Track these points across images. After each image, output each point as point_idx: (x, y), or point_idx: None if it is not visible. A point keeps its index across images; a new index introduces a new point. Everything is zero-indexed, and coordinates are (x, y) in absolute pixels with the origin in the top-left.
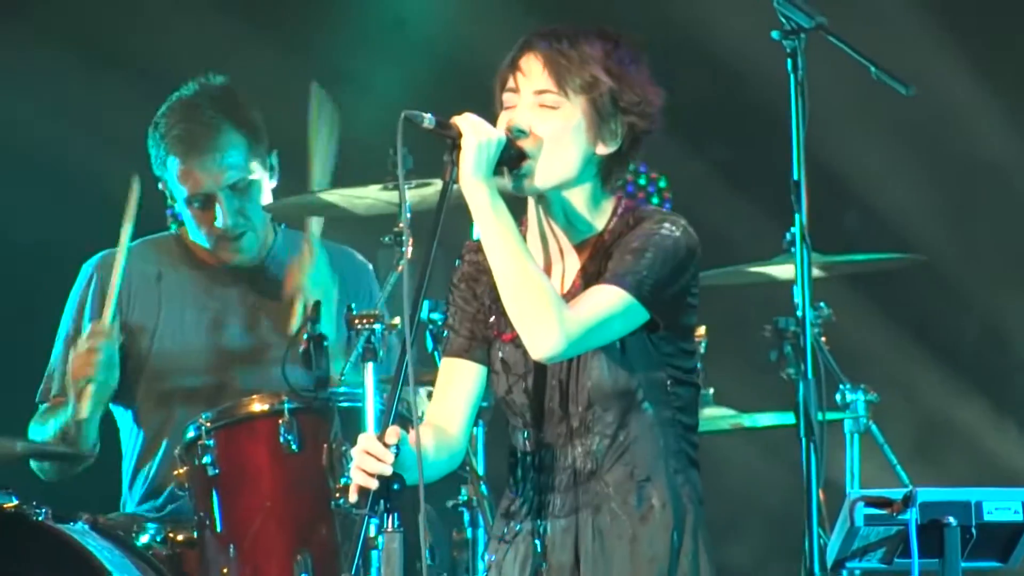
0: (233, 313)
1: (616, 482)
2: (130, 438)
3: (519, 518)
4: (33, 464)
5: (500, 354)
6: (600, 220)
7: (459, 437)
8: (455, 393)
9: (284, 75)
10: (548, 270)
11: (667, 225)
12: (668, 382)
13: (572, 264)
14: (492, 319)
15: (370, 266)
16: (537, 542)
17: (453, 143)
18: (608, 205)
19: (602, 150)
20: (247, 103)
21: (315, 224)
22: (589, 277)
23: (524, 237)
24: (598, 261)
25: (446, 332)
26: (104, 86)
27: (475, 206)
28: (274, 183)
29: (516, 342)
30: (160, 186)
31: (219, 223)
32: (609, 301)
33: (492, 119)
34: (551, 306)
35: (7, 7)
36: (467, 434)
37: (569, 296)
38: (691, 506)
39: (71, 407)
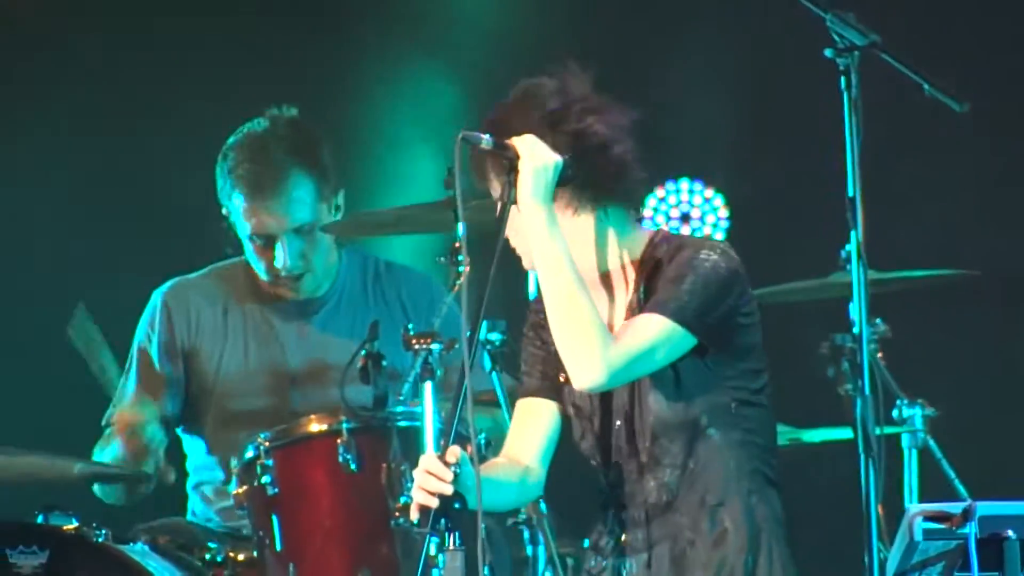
0: (295, 341)
1: (690, 511)
2: (196, 461)
3: (605, 554)
4: (96, 489)
5: (572, 399)
6: (635, 249)
7: (534, 468)
8: (530, 429)
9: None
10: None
11: (705, 251)
12: (733, 404)
13: (606, 295)
14: (562, 365)
15: (434, 279)
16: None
17: (511, 165)
18: (642, 235)
19: (586, 202)
20: (318, 140)
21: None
22: (629, 306)
23: None
24: (639, 289)
25: (520, 378)
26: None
27: (533, 229)
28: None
29: None
30: (224, 212)
31: (278, 263)
32: (651, 329)
33: None
34: (595, 335)
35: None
36: (544, 466)
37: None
38: (766, 525)
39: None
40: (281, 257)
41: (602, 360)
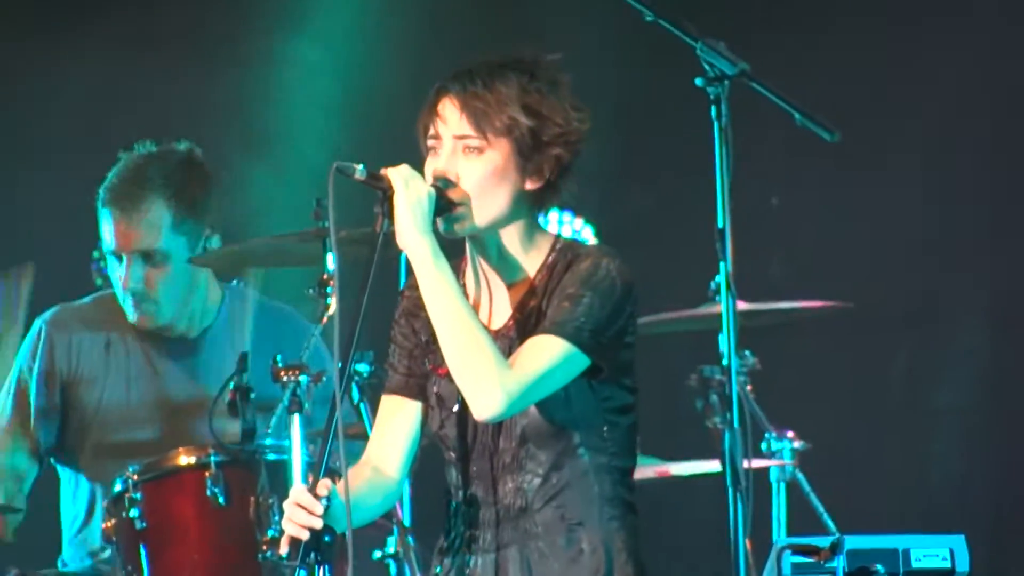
0: (176, 377)
1: (546, 523)
2: (71, 492)
3: (451, 553)
4: None
5: (435, 388)
6: (536, 256)
7: (396, 476)
8: (393, 430)
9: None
10: (480, 307)
11: (604, 265)
12: (605, 428)
13: (505, 302)
14: (429, 355)
15: (312, 325)
16: (466, 574)
17: (384, 195)
18: (543, 241)
19: (531, 185)
20: (197, 176)
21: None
22: (528, 314)
23: (462, 273)
24: (536, 299)
25: (386, 369)
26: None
27: (417, 263)
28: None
29: (450, 376)
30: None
31: (120, 283)
32: (549, 353)
33: (419, 165)
34: (492, 367)
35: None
36: (405, 472)
37: (502, 334)
38: (623, 553)
39: None
40: (124, 276)
41: (500, 388)
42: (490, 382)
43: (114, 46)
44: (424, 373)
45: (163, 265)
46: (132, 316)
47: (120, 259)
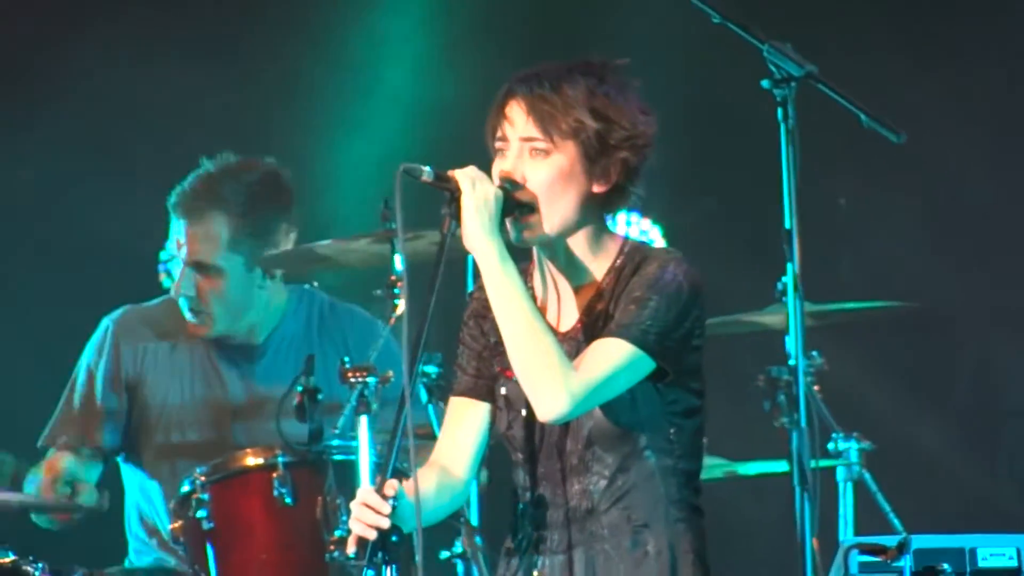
0: (238, 382)
1: (612, 524)
2: (134, 492)
3: (518, 554)
4: (32, 514)
5: (503, 390)
6: (604, 259)
7: (463, 477)
8: (461, 432)
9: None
10: (547, 310)
11: (671, 269)
12: (672, 431)
13: (573, 305)
14: (497, 356)
15: (380, 322)
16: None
17: (452, 196)
18: (611, 244)
19: (598, 189)
20: (275, 200)
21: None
22: (595, 317)
23: (529, 276)
24: (604, 301)
25: (455, 370)
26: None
27: (484, 265)
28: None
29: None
30: None
31: (172, 291)
32: (614, 356)
33: (487, 166)
34: (557, 369)
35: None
36: (473, 472)
37: (569, 336)
38: (689, 555)
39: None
40: (176, 282)
41: (565, 391)
42: (554, 384)
43: (190, 49)
44: (492, 375)
45: (216, 279)
46: (195, 329)
47: (174, 266)
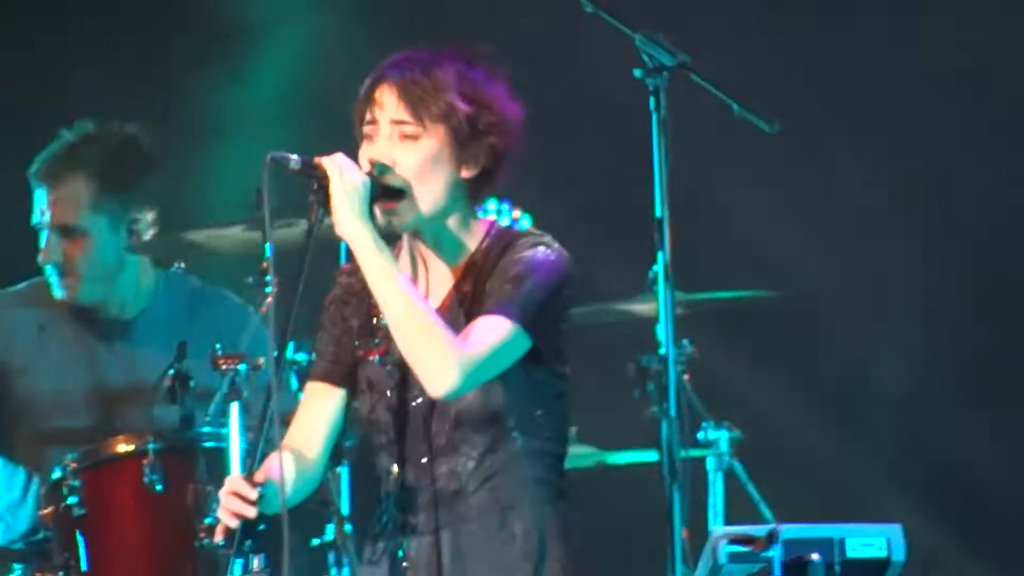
0: (111, 361)
1: (480, 505)
2: (6, 479)
3: (384, 537)
4: None
5: (365, 373)
6: (471, 242)
7: (316, 461)
8: (314, 416)
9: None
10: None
11: (542, 249)
12: (538, 412)
13: (440, 286)
14: (360, 340)
15: (251, 308)
16: (401, 557)
17: (319, 184)
18: (478, 226)
19: (467, 173)
20: (136, 162)
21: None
22: (463, 298)
23: (397, 259)
24: (472, 282)
25: (312, 355)
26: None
27: (359, 251)
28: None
29: (382, 360)
30: None
31: (41, 259)
32: (497, 332)
33: (354, 153)
34: (446, 344)
35: None
36: (324, 458)
37: (441, 317)
38: (554, 537)
39: None
40: (44, 249)
41: (456, 364)
42: (444, 359)
43: (57, 31)
44: (351, 361)
45: (81, 240)
46: (57, 292)
47: (42, 233)
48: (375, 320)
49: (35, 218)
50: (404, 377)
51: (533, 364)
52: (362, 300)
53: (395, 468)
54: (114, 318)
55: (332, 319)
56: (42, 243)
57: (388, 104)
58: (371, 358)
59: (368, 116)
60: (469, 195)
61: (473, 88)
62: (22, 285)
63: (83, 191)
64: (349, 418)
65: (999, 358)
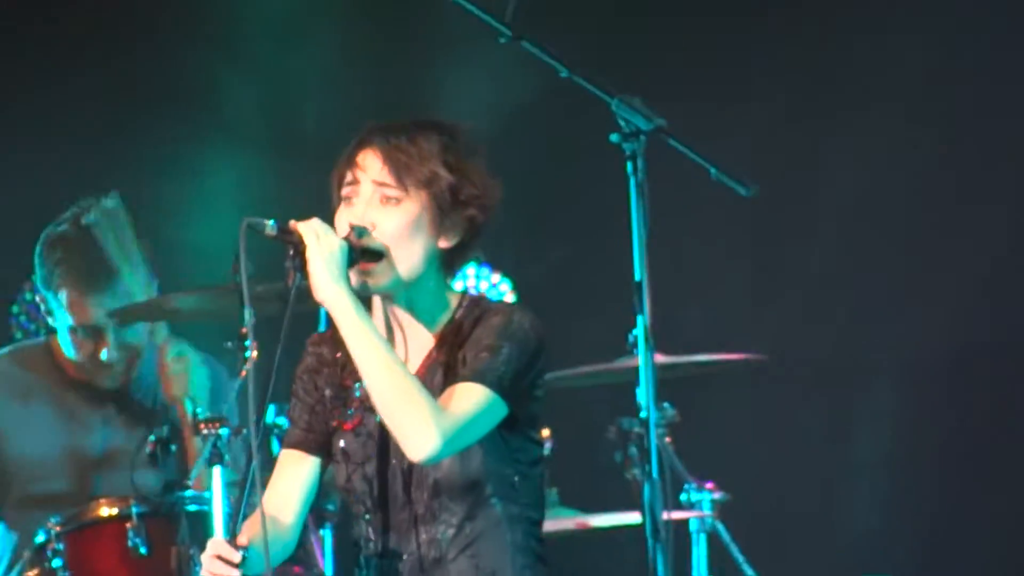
0: (99, 427)
1: (460, 572)
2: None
3: None
4: None
5: (341, 443)
6: (445, 309)
7: (291, 526)
8: (289, 483)
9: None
10: None
11: (516, 318)
12: (516, 478)
13: (418, 351)
14: (333, 410)
15: (221, 367)
16: None
17: (295, 249)
18: (452, 297)
19: (444, 243)
20: (100, 260)
21: (163, 329)
22: (438, 365)
23: None
24: (447, 350)
25: (287, 423)
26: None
27: (338, 315)
28: None
29: (356, 431)
30: (38, 298)
31: (104, 356)
32: (474, 399)
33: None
34: (427, 408)
35: None
36: (299, 523)
37: None
38: None
39: None
40: (107, 351)
41: (437, 429)
42: (424, 424)
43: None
44: (325, 430)
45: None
46: (99, 380)
47: (90, 332)
48: (348, 390)
49: (69, 320)
50: (380, 447)
51: (508, 431)
52: (334, 370)
53: (373, 536)
54: (103, 387)
55: (305, 387)
56: (105, 342)
57: (371, 167)
58: (346, 429)
59: (349, 177)
60: (444, 265)
61: (456, 159)
62: (5, 350)
63: (132, 279)
64: (324, 484)
65: (981, 420)
